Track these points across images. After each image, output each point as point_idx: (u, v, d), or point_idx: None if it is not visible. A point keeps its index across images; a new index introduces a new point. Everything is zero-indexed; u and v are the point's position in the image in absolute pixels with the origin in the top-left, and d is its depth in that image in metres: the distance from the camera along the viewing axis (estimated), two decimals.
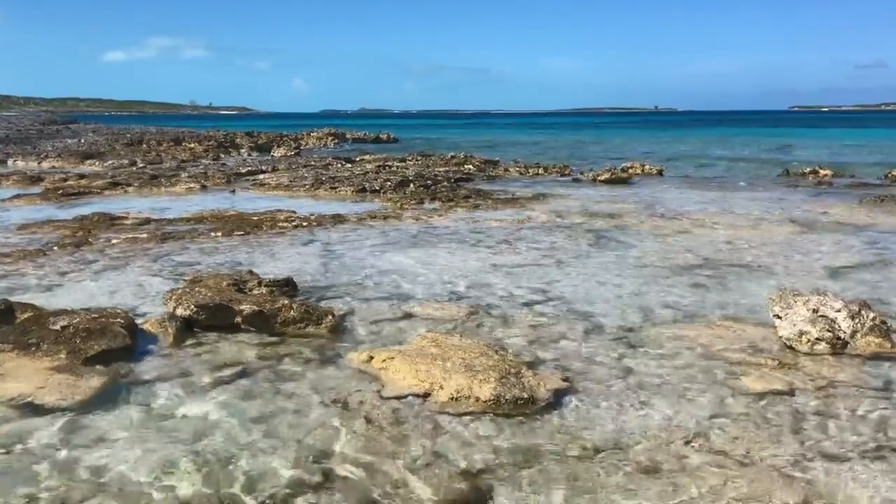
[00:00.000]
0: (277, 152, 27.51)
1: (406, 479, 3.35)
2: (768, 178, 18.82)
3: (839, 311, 5.17)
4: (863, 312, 5.19)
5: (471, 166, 20.49)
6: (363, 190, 14.49)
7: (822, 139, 39.46)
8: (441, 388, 4.26)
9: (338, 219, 10.82)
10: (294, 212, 11.25)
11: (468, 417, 3.99)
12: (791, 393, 4.38)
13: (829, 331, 5.05)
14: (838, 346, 5.03)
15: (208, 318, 5.36)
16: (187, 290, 5.78)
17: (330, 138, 38.18)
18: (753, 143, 34.51)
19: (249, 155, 26.55)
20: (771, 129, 53.60)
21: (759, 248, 8.89)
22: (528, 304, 6.33)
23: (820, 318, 5.11)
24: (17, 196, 13.33)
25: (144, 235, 9.25)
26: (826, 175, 18.23)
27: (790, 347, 5.10)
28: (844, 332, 5.09)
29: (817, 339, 5.03)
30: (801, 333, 5.07)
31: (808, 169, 19.20)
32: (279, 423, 3.91)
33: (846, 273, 7.56)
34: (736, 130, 51.88)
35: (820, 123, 74.25)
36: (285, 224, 10.16)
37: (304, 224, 10.25)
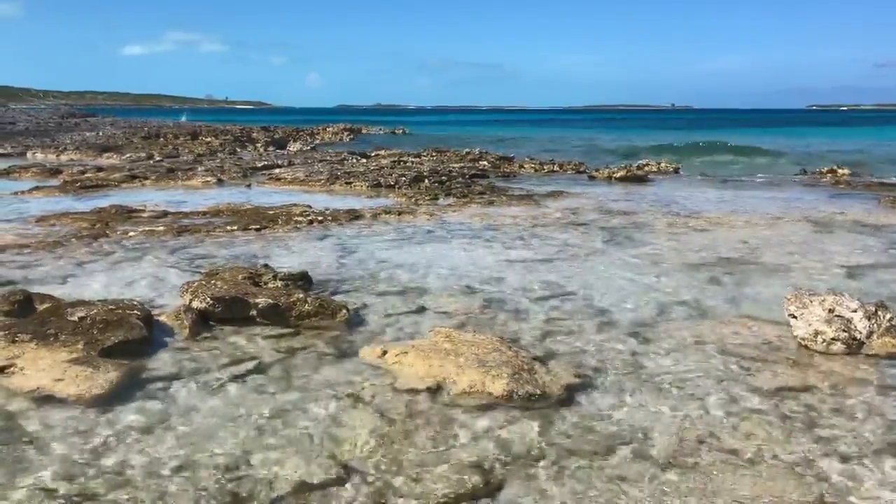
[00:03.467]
0: (293, 147, 27.60)
1: (419, 473, 3.37)
2: (786, 178, 18.67)
3: (855, 311, 5.13)
4: (879, 313, 5.14)
5: (485, 163, 20.47)
6: (378, 185, 14.52)
7: (852, 139, 38.54)
8: (454, 383, 4.29)
9: (353, 213, 10.86)
10: (309, 206, 11.30)
11: (481, 412, 4.00)
12: (805, 391, 4.36)
13: (844, 331, 5.01)
14: (854, 347, 5.00)
15: (224, 311, 5.40)
16: (203, 282, 5.83)
17: (345, 133, 38.27)
18: (775, 143, 34.16)
19: (266, 149, 26.62)
20: (793, 129, 52.83)
21: (775, 247, 8.83)
22: (541, 300, 6.33)
23: (836, 318, 5.08)
24: (37, 188, 13.49)
25: (161, 228, 9.33)
26: (844, 175, 18.06)
27: (805, 347, 5.07)
28: (860, 333, 5.05)
29: (833, 339, 4.99)
30: (817, 333, 5.04)
31: (826, 168, 19.04)
32: (293, 417, 3.94)
33: (863, 273, 7.50)
34: (756, 130, 51.24)
35: (844, 122, 73.09)
36: (300, 218, 10.21)
37: (320, 219, 10.29)
